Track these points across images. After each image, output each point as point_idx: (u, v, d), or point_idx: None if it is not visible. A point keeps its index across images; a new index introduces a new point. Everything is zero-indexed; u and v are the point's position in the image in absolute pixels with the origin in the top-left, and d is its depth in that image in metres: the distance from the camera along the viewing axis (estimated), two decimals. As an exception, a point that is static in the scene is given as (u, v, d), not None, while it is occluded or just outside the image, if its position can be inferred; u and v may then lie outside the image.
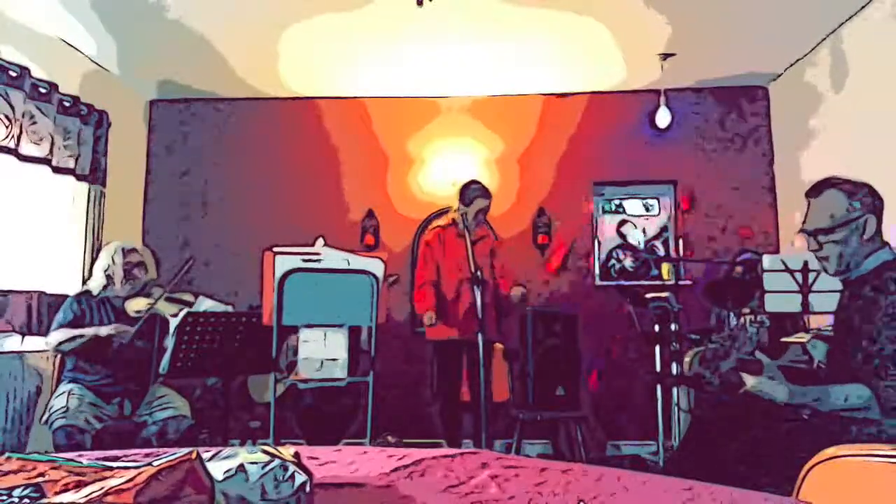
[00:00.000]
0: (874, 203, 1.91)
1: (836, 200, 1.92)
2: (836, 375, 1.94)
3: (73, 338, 3.02)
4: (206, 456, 0.82)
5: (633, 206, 5.08)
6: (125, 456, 1.11)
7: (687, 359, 2.17)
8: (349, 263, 2.95)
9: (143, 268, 3.32)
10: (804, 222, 2.01)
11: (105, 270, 3.26)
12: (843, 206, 1.91)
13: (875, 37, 3.61)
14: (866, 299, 1.88)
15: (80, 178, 4.08)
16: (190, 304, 3.18)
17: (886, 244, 1.95)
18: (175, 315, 3.11)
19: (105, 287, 3.26)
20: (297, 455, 0.90)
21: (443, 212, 5.01)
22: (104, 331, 3.02)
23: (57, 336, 3.05)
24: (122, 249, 3.28)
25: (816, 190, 1.97)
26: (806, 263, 2.90)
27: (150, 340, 3.25)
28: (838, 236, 1.91)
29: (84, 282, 3.81)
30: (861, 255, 1.92)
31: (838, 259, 1.93)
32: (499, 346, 4.31)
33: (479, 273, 3.03)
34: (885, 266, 1.89)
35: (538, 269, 4.90)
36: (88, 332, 3.03)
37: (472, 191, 3.84)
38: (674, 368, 3.88)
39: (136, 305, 3.17)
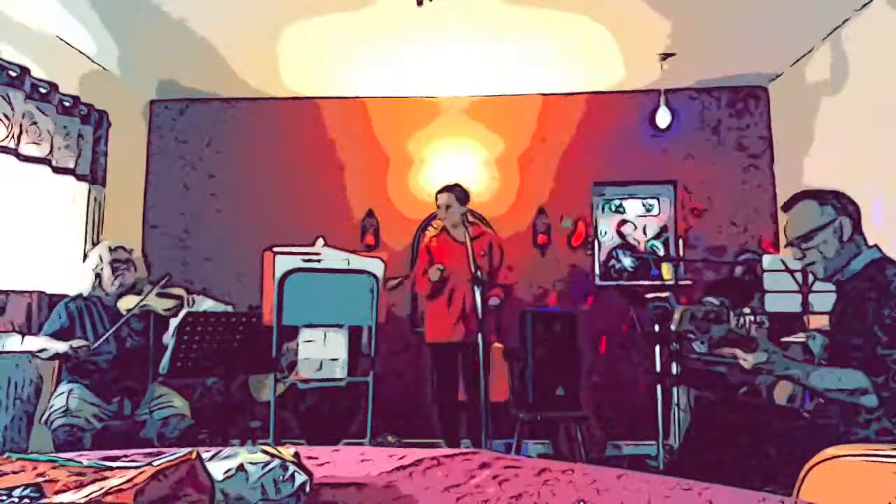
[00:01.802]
0: (845, 206, 2.02)
1: (809, 209, 2.05)
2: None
3: (43, 349, 3.01)
4: (206, 456, 0.82)
5: (633, 206, 5.08)
6: (125, 456, 1.10)
7: (676, 315, 2.20)
8: (349, 263, 2.95)
9: (132, 265, 3.34)
10: (786, 236, 2.13)
11: (94, 269, 3.28)
12: (816, 212, 2.03)
13: (875, 37, 3.61)
14: (860, 296, 1.94)
15: (80, 178, 4.08)
16: (181, 298, 3.19)
17: (875, 246, 2.02)
18: (168, 310, 3.13)
19: (96, 287, 3.27)
20: (297, 455, 0.90)
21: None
22: (61, 348, 2.99)
23: (34, 345, 3.06)
24: (109, 248, 3.31)
25: (789, 204, 2.11)
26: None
27: (146, 338, 3.25)
28: (818, 241, 2.02)
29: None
30: (845, 257, 2.01)
31: (823, 261, 2.03)
32: (498, 345, 4.31)
33: (479, 273, 3.03)
34: (874, 264, 1.97)
35: (539, 270, 4.90)
36: (51, 348, 3.01)
37: None
38: (674, 368, 3.88)
39: (128, 303, 3.17)
